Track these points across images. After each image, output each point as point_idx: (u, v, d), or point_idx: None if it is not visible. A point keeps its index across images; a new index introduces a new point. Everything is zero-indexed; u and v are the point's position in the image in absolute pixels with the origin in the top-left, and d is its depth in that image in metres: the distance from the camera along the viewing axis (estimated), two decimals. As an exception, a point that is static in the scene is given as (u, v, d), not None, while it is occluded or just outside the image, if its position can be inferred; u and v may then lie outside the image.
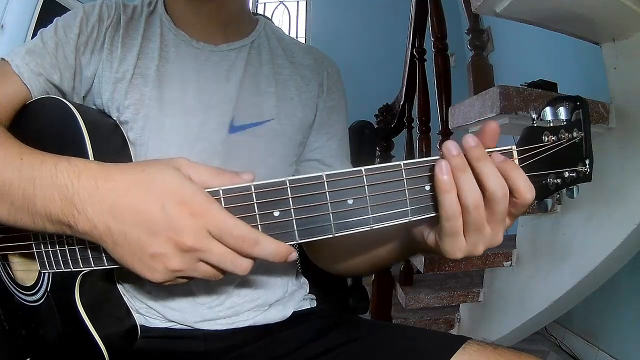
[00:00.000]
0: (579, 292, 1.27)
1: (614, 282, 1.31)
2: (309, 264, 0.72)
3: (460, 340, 0.52)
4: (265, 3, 4.05)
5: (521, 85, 1.24)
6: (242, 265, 0.38)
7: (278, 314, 0.63)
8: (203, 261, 0.39)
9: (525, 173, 0.39)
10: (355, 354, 0.55)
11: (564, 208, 1.27)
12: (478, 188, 0.38)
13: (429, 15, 1.69)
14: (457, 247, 0.40)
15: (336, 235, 0.38)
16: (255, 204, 0.38)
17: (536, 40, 2.13)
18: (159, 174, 0.39)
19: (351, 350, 0.56)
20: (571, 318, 1.80)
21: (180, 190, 0.38)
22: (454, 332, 1.66)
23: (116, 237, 0.38)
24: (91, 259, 0.45)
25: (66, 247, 0.47)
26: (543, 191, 0.41)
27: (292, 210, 0.38)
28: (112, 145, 0.55)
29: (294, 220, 0.38)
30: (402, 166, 0.38)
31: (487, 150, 0.39)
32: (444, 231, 0.39)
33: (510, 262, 1.43)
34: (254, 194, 0.38)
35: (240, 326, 0.60)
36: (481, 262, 1.43)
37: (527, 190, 0.38)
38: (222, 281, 0.42)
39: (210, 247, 0.38)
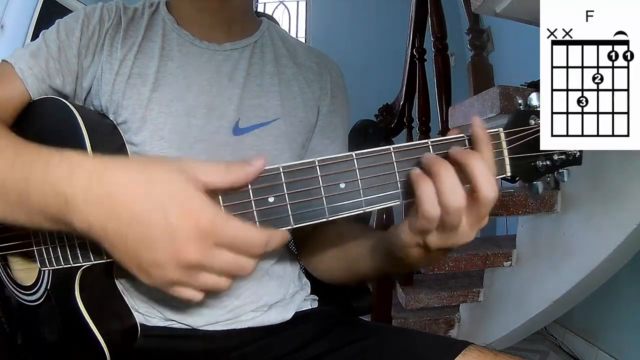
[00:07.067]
0: (579, 292, 1.26)
1: (614, 282, 1.31)
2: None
3: (461, 345, 0.52)
4: (265, 3, 4.05)
5: (521, 85, 1.24)
6: (249, 268, 0.37)
7: (279, 315, 0.63)
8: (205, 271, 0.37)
9: (514, 155, 0.40)
10: (355, 355, 0.55)
11: (564, 208, 1.27)
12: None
13: (429, 15, 1.69)
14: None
15: (330, 218, 0.39)
16: (250, 191, 0.38)
17: (536, 40, 2.12)
18: (162, 176, 0.35)
19: (351, 352, 0.55)
20: (571, 318, 1.79)
21: (186, 200, 0.35)
22: (453, 332, 1.66)
23: (113, 240, 0.36)
24: (91, 254, 0.45)
25: (66, 243, 0.47)
26: (532, 173, 0.42)
27: (286, 195, 0.39)
28: (111, 145, 0.55)
29: (288, 206, 0.39)
30: (392, 150, 0.39)
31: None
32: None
33: (510, 262, 1.43)
34: None
35: (240, 327, 0.60)
36: (481, 262, 1.43)
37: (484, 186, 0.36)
38: None
39: (214, 259, 0.36)
